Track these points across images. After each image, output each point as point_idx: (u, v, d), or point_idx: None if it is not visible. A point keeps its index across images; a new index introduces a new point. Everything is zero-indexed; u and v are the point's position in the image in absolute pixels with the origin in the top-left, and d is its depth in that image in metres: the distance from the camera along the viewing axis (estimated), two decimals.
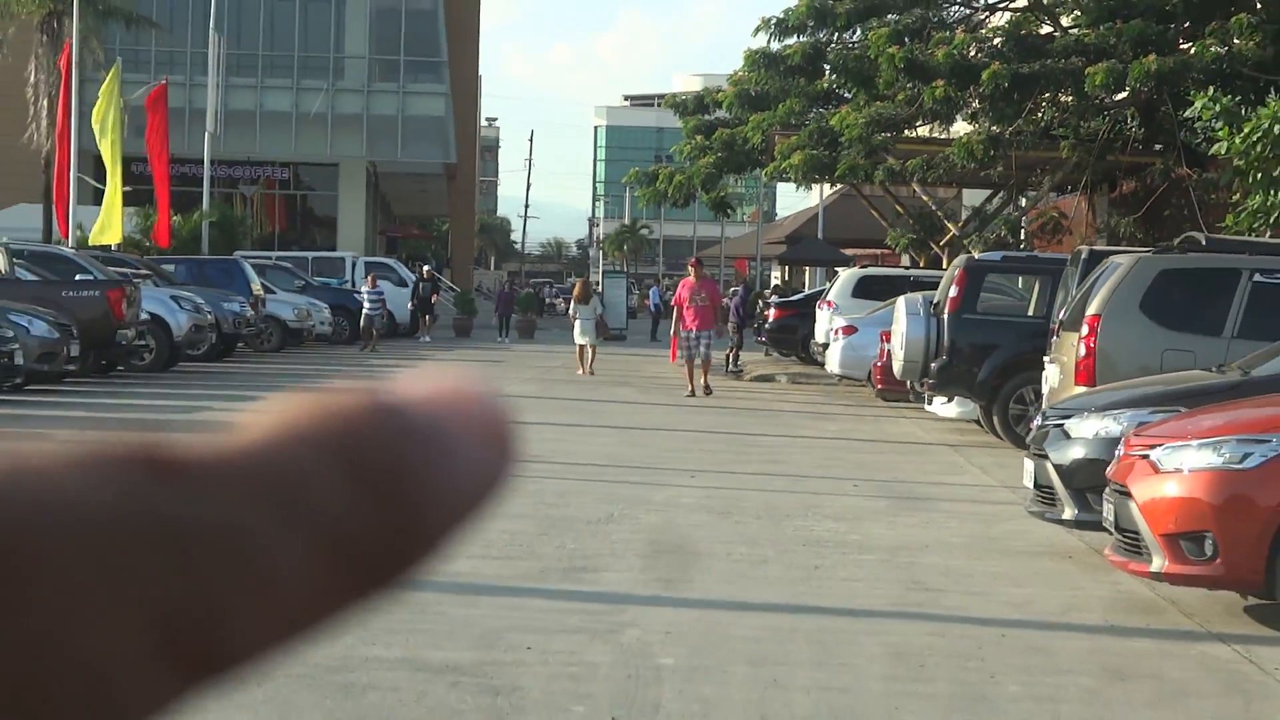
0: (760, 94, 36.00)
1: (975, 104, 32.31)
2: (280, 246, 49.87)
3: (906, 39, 32.50)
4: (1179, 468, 9.61)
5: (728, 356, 33.15)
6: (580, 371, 32.59)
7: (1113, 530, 10.19)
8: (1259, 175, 21.83)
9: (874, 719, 7.26)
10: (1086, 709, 7.62)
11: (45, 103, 40.21)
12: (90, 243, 36.23)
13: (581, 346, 33.48)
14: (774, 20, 35.50)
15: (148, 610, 0.36)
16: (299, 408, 0.42)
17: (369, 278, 41.02)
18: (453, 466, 0.43)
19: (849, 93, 34.20)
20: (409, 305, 46.44)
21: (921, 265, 34.49)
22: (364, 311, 39.34)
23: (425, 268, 53.41)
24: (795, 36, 35.56)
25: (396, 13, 58.09)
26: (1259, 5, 29.72)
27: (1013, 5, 34.86)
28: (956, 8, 34.96)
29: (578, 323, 34.06)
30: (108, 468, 0.35)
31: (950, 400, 22.21)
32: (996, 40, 33.18)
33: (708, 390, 25.95)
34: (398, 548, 0.42)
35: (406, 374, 0.40)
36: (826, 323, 30.19)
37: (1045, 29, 33.52)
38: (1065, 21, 33.18)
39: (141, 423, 19.72)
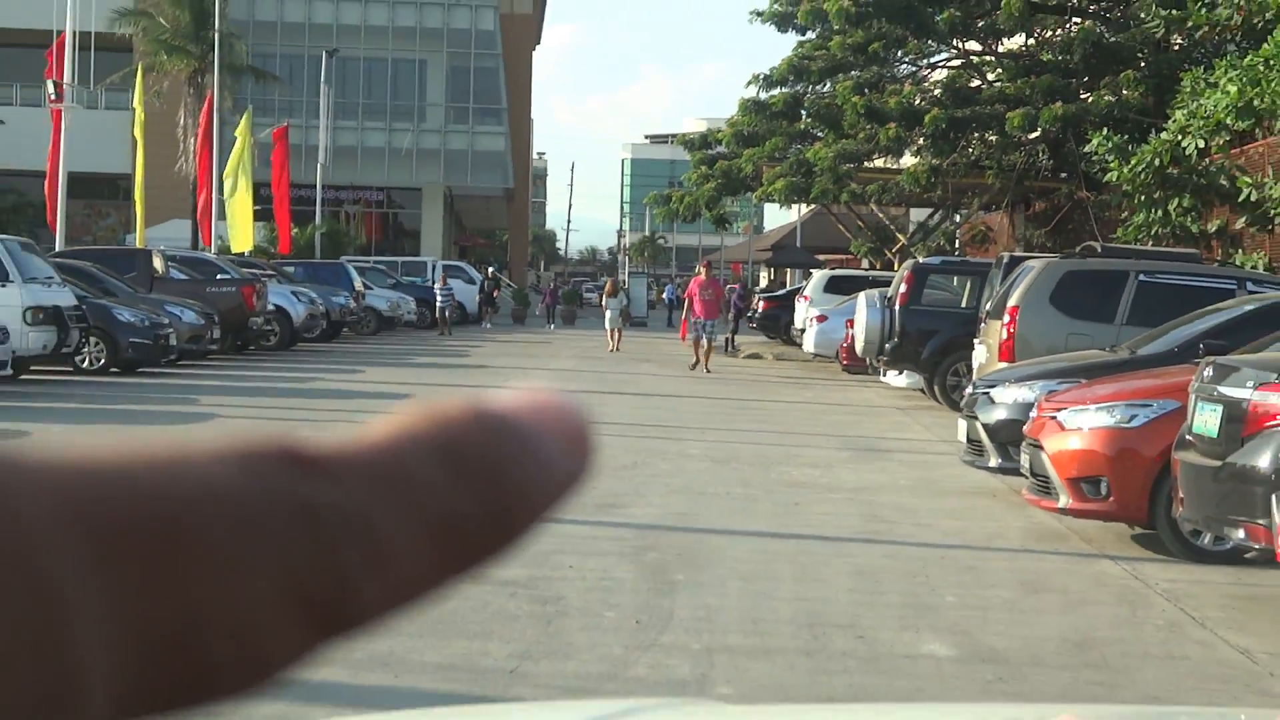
0: (752, 133, 36.42)
1: (920, 141, 32.69)
2: (376, 253, 50.18)
3: (866, 90, 32.74)
4: (1080, 426, 9.68)
5: (727, 340, 33.22)
6: (610, 349, 32.86)
7: (1028, 475, 10.26)
8: (1142, 198, 22.00)
9: (841, 622, 7.21)
10: (1007, 614, 7.61)
11: (192, 140, 40.30)
12: (228, 250, 36.20)
13: (611, 330, 33.57)
14: (762, 76, 35.99)
15: (289, 579, 0.38)
16: (414, 414, 0.42)
17: (442, 277, 41.25)
18: (541, 465, 0.45)
19: (821, 132, 34.46)
20: (476, 299, 46.71)
21: (878, 268, 34.39)
22: (438, 304, 39.56)
23: (489, 269, 54.07)
24: (779, 88, 36.19)
25: (466, 70, 58.49)
26: (1142, 64, 29.48)
27: (949, 64, 34.67)
28: (905, 65, 34.79)
29: (608, 312, 35.07)
30: (259, 460, 0.42)
31: (900, 373, 22.47)
32: (936, 91, 33.39)
33: (708, 370, 25.92)
34: (493, 531, 0.43)
35: (505, 387, 0.41)
36: (803, 312, 31.32)
37: (975, 83, 33.42)
38: (990, 77, 33.68)
39: (269, 390, 19.70)
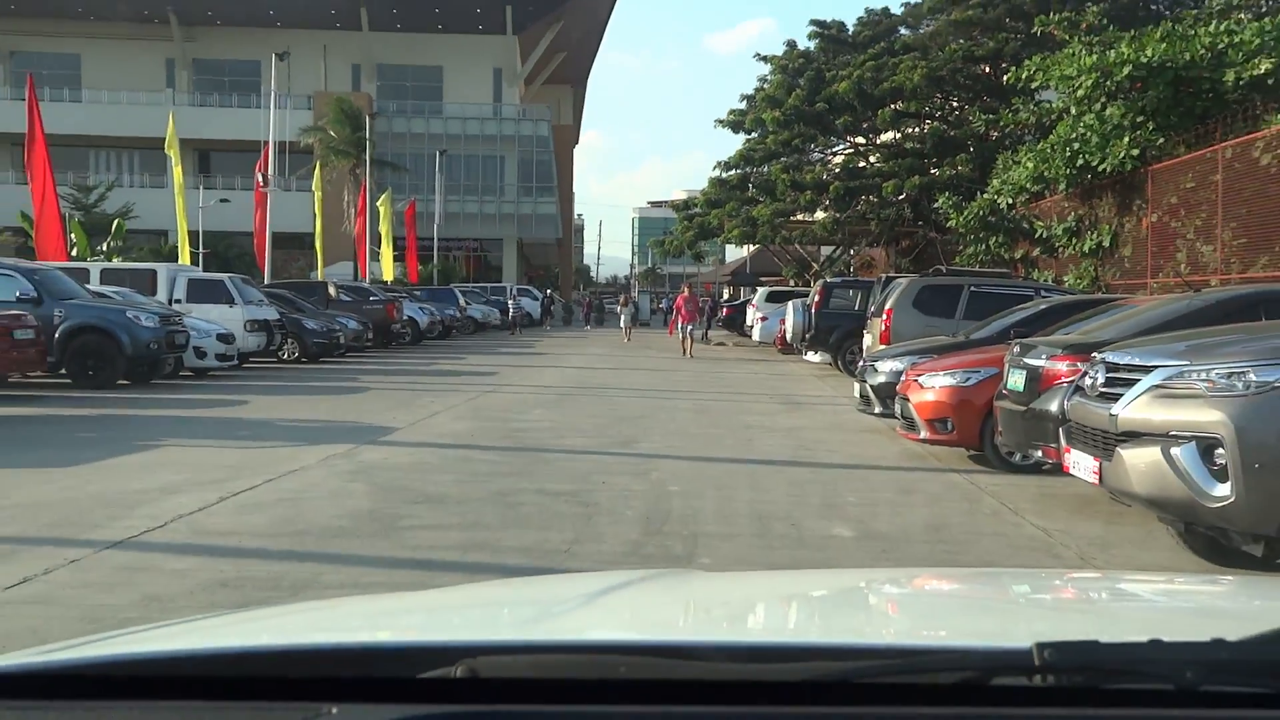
0: (716, 199, 36.54)
1: (826, 203, 32.47)
2: (473, 281, 50.24)
3: (790, 170, 32.81)
4: (934, 385, 9.66)
5: (704, 333, 33.49)
6: (624, 340, 33.30)
7: (900, 418, 10.15)
8: (971, 236, 22.17)
9: (780, 516, 7.18)
10: (889, 509, 7.58)
11: (352, 210, 40.64)
12: (377, 280, 36.67)
13: (625, 328, 34.40)
14: (722, 162, 36.60)
15: None
16: None
17: (513, 296, 41.71)
18: None
19: (762, 198, 34.30)
20: (539, 309, 47.26)
21: (800, 285, 34.27)
22: (510, 314, 40.05)
23: (548, 290, 54.51)
24: (734, 170, 36.17)
25: (531, 162, 59.12)
26: (970, 150, 29.47)
27: (845, 152, 34.80)
28: (816, 153, 34.97)
29: (623, 317, 36.44)
30: None
31: (816, 353, 22.53)
32: (837, 170, 33.29)
33: (691, 356, 25.99)
34: None
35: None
36: (752, 315, 31.39)
37: (861, 164, 33.59)
38: (872, 159, 33.64)
39: (406, 370, 19.74)
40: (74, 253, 26.03)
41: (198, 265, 28.86)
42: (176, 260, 27.04)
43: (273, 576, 5.48)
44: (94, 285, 18.42)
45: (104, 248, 33.68)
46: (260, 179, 31.38)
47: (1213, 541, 5.71)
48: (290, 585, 5.29)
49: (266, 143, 32.54)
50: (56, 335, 15.58)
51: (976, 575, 2.73)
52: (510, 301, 42.57)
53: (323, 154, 42.91)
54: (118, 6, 56.16)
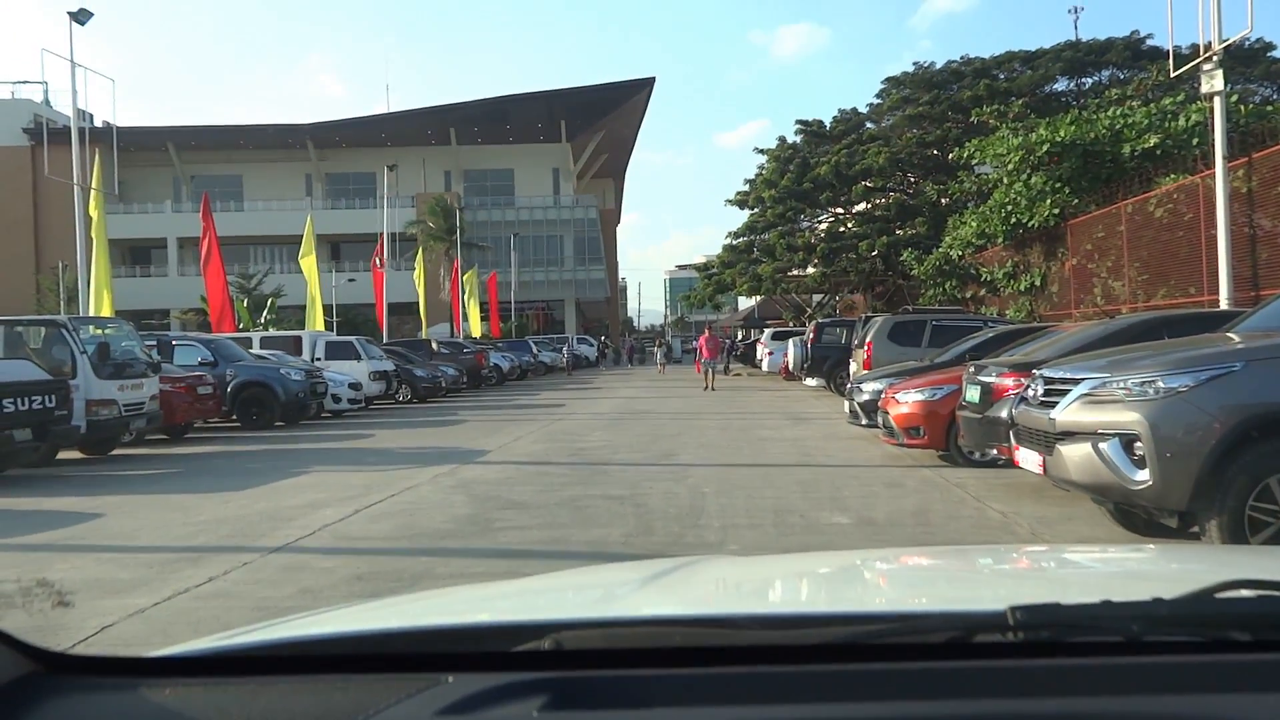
0: (729, 261, 36.37)
1: (816, 260, 32.28)
2: (543, 334, 50.06)
3: (785, 235, 32.51)
4: (908, 400, 9.52)
5: (725, 367, 33.12)
6: (660, 373, 33.07)
7: (882, 427, 9.98)
8: (931, 283, 21.65)
9: (793, 509, 7.08)
10: (879, 500, 7.46)
11: (446, 282, 40.95)
12: (469, 336, 36.75)
13: (660, 365, 34.13)
14: (732, 232, 36.27)
15: None
16: None
17: (567, 345, 41.59)
18: None
19: (764, 259, 34.05)
20: (594, 354, 47.14)
21: (798, 326, 34.08)
22: (565, 359, 39.86)
23: (602, 337, 54.28)
24: (741, 238, 36.01)
25: (584, 239, 59.41)
26: (926, 214, 29.40)
27: (827, 220, 34.70)
28: (805, 221, 35.00)
29: (658, 355, 35.44)
30: None
31: (813, 379, 22.14)
32: (822, 234, 33.10)
33: (712, 389, 25.69)
34: None
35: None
36: (761, 350, 30.67)
37: (842, 229, 33.41)
38: (850, 225, 33.15)
39: (494, 405, 19.77)
40: (240, 325, 26.48)
41: (332, 330, 29.28)
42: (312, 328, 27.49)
43: (396, 570, 5.48)
44: (255, 349, 18.71)
45: (262, 320, 34.33)
46: (377, 262, 31.89)
47: (1137, 516, 5.60)
48: (410, 577, 5.28)
49: (381, 234, 33.10)
50: (228, 389, 15.88)
51: (951, 551, 2.68)
52: (565, 349, 42.24)
53: (424, 240, 43.28)
54: (269, 138, 57.68)
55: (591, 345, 50.22)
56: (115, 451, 12.66)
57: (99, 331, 12.62)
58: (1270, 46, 32.06)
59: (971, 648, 1.03)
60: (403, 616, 1.47)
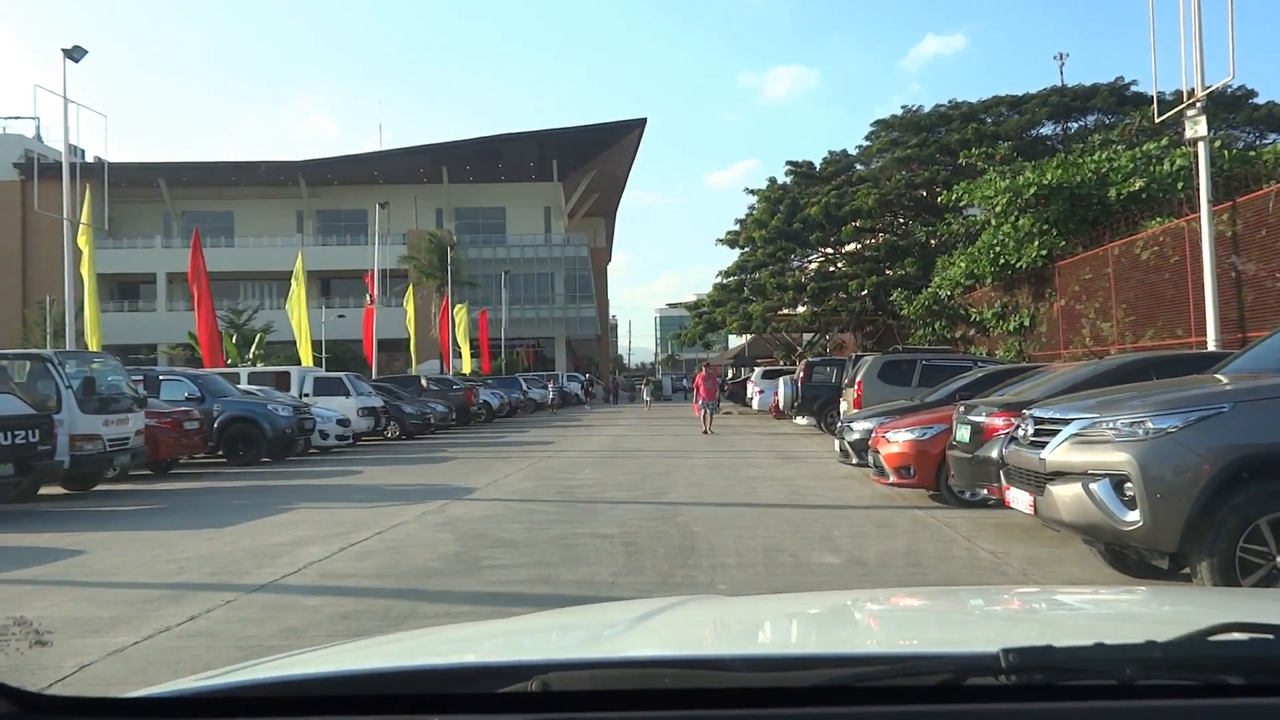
0: (719, 300, 36.44)
1: (806, 299, 32.42)
2: (533, 370, 49.93)
3: (775, 275, 32.57)
4: (898, 439, 9.53)
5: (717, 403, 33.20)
6: (646, 411, 32.94)
7: (872, 467, 9.95)
8: (921, 323, 21.75)
9: (783, 548, 7.02)
10: (869, 540, 7.40)
11: (437, 319, 40.86)
12: (459, 373, 36.61)
13: (646, 402, 34.25)
14: (723, 271, 36.18)
15: None
16: None
17: (552, 380, 41.22)
18: None
19: (754, 298, 34.20)
20: (580, 390, 46.88)
21: (788, 365, 34.13)
22: (550, 396, 39.29)
23: (587, 375, 53.96)
24: (732, 277, 36.14)
25: (575, 277, 59.48)
26: (916, 255, 29.67)
27: (817, 259, 34.98)
28: (795, 261, 35.28)
29: (644, 392, 35.64)
30: None
31: (803, 418, 22.11)
32: (812, 273, 33.31)
33: (711, 433, 24.95)
34: None
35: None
36: (752, 389, 30.55)
37: (831, 268, 33.70)
38: (840, 265, 33.45)
39: (481, 442, 19.68)
40: (228, 361, 26.38)
41: (321, 367, 29.18)
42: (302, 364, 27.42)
43: (382, 609, 5.42)
44: (243, 385, 18.65)
45: (250, 356, 34.18)
46: (368, 299, 31.99)
47: (1128, 558, 5.58)
48: (396, 616, 5.23)
49: (372, 271, 33.19)
50: (215, 424, 15.76)
51: (941, 592, 2.66)
52: (550, 385, 41.57)
53: (415, 277, 43.43)
54: (261, 175, 57.92)
55: (579, 381, 50.09)
56: (99, 487, 12.53)
57: (85, 366, 12.56)
58: (1252, 94, 32.79)
59: (963, 690, 1.02)
60: (387, 657, 1.46)
